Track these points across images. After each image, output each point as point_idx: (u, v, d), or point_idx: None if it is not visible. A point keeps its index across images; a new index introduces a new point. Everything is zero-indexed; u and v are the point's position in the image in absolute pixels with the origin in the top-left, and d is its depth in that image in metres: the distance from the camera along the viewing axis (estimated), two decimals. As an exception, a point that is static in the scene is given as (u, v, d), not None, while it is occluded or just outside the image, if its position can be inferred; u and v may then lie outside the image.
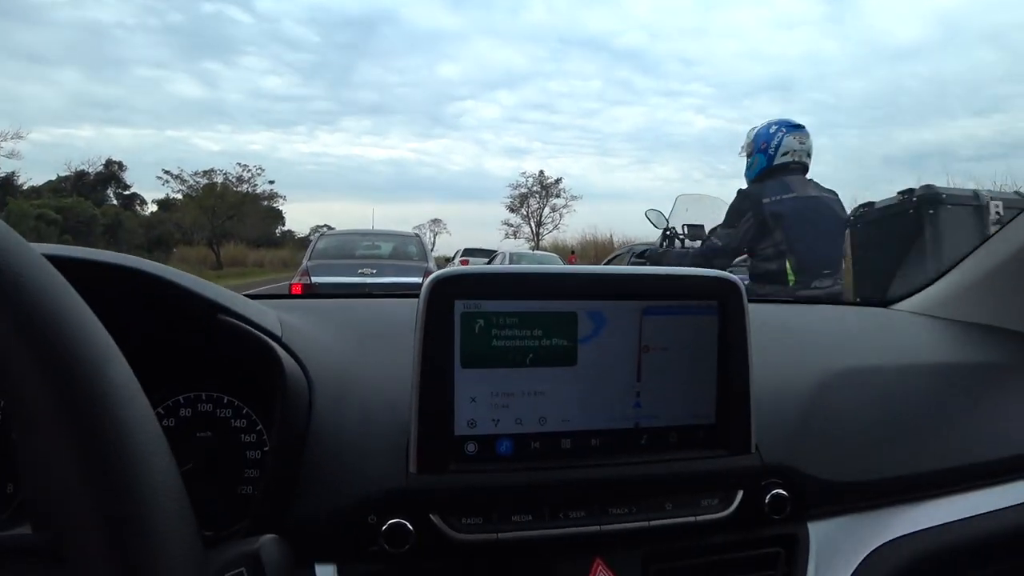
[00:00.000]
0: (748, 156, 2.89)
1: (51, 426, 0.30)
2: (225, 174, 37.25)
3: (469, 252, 16.07)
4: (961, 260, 1.22)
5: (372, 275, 6.62)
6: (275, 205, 44.27)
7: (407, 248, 7.86)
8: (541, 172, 43.30)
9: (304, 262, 7.09)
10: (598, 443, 0.66)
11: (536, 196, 42.42)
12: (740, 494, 0.69)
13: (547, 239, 39.62)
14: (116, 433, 0.31)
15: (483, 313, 0.62)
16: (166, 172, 35.90)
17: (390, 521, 0.60)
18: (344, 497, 0.61)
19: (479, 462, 0.63)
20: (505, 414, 0.63)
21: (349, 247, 7.69)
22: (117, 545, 0.29)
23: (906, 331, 1.12)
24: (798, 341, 0.95)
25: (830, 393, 0.82)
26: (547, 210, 42.60)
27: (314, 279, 6.46)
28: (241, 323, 0.63)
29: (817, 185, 2.70)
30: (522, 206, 42.95)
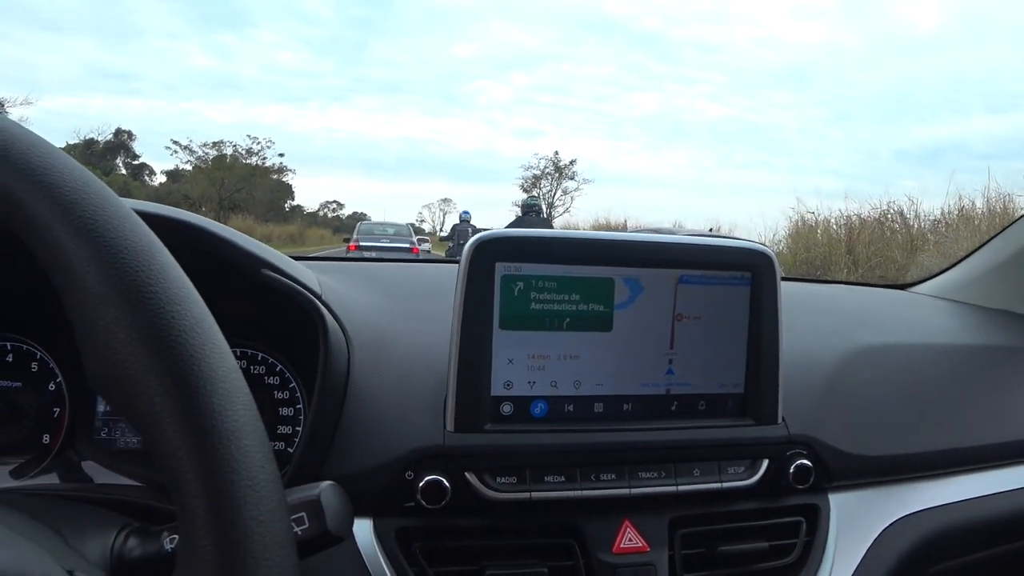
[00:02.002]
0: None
1: (156, 388, 0.31)
2: (235, 146, 36.79)
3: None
4: (981, 246, 1.23)
5: (384, 242, 13.62)
6: (285, 179, 43.72)
7: (402, 231, 15.82)
8: (556, 153, 42.64)
9: (355, 234, 14.77)
10: (630, 408, 0.67)
11: (549, 177, 41.55)
12: (765, 463, 0.70)
13: (558, 221, 39.16)
14: (208, 380, 0.32)
15: (523, 276, 0.63)
16: (175, 142, 35.37)
17: (427, 478, 0.61)
18: (382, 453, 0.62)
19: (514, 423, 0.64)
20: (541, 376, 0.65)
21: (375, 228, 15.74)
22: (216, 487, 0.30)
23: (926, 313, 1.13)
24: (823, 317, 0.96)
25: (854, 368, 0.83)
26: (559, 192, 41.65)
27: (360, 242, 13.42)
28: (285, 279, 0.64)
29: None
30: (534, 187, 41.92)
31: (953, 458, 0.82)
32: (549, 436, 0.64)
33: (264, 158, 38.21)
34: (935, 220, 8.85)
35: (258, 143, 37.83)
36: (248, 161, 36.74)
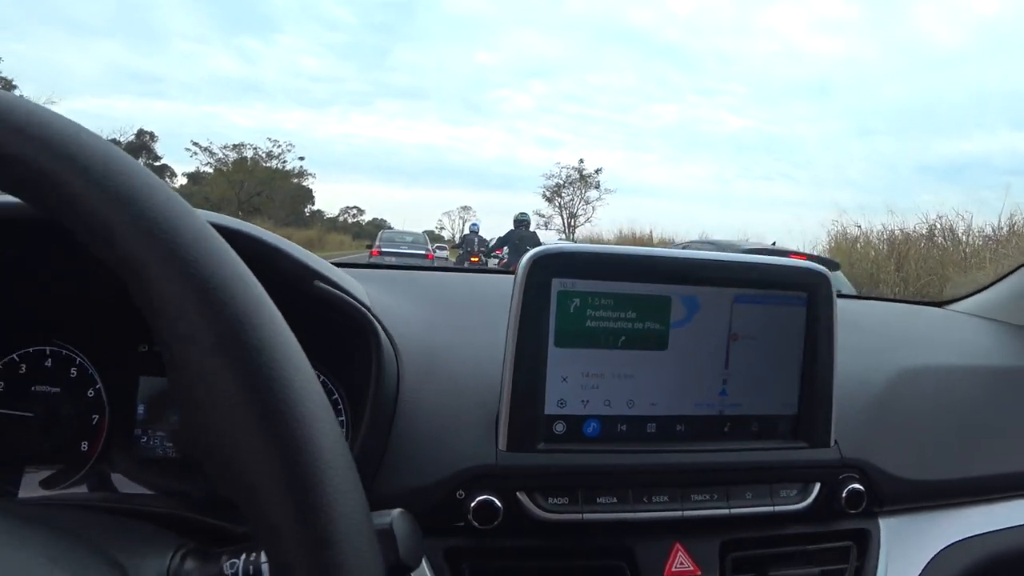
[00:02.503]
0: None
1: (241, 404, 0.30)
2: (255, 148, 36.41)
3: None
4: (1021, 265, 1.21)
5: (404, 249, 14.63)
6: (305, 184, 43.24)
7: (418, 239, 16.78)
8: (580, 161, 40.78)
9: (377, 241, 15.67)
10: (683, 429, 0.66)
11: (572, 187, 40.17)
12: (817, 486, 0.69)
13: (579, 232, 37.61)
14: (295, 402, 0.31)
15: (579, 292, 0.62)
16: (195, 144, 35.06)
17: (479, 497, 0.60)
18: (433, 472, 0.61)
19: (567, 442, 0.63)
20: (595, 395, 0.63)
21: (395, 236, 16.72)
22: (306, 512, 0.29)
23: (967, 332, 1.11)
24: (868, 336, 0.94)
25: (902, 390, 0.82)
26: (580, 202, 40.33)
27: (382, 248, 14.38)
28: (338, 291, 0.63)
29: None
30: (556, 197, 40.63)
31: (1004, 483, 0.80)
32: (602, 456, 0.63)
33: (284, 161, 37.85)
34: (986, 236, 8.56)
35: (278, 146, 37.45)
36: (268, 164, 36.44)
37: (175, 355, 0.31)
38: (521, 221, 9.80)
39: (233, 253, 0.34)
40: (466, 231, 13.08)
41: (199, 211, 0.38)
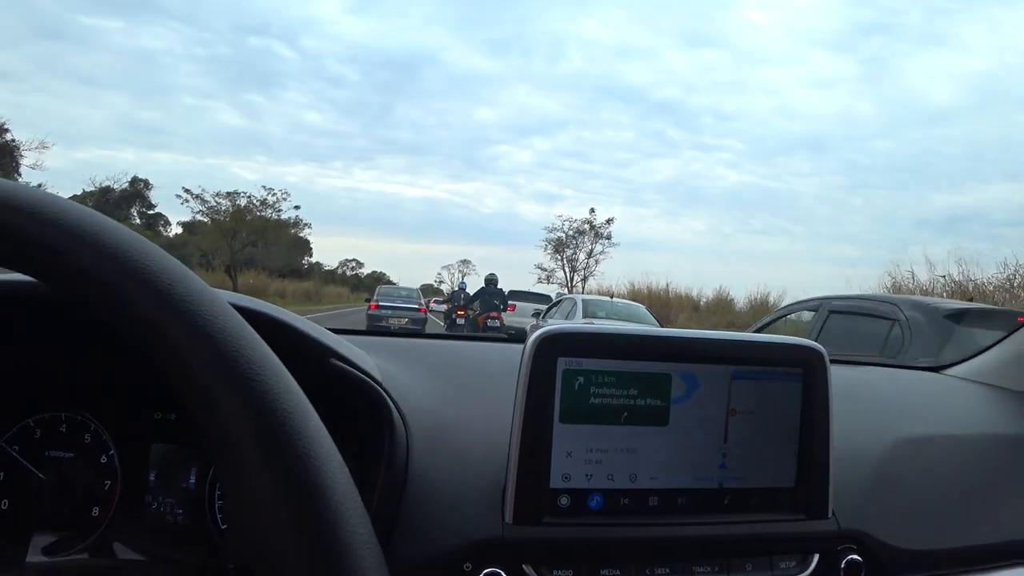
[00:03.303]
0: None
1: (260, 472, 0.33)
2: (249, 196, 35.11)
3: (515, 295, 15.12)
4: (1015, 330, 1.23)
5: (399, 303, 15.78)
6: (302, 235, 42.22)
7: (412, 295, 17.15)
8: (591, 211, 38.03)
9: (375, 295, 16.49)
10: (684, 502, 0.68)
11: (578, 238, 37.72)
12: (816, 558, 0.70)
13: (590, 284, 35.62)
14: (319, 477, 0.34)
15: (583, 371, 0.65)
16: (186, 190, 33.64)
17: (486, 570, 0.62)
18: (441, 544, 0.63)
19: (571, 515, 0.65)
20: (598, 470, 0.66)
21: (392, 291, 17.65)
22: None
23: (964, 399, 1.13)
24: (861, 405, 0.96)
25: (898, 460, 0.83)
26: (582, 256, 38.15)
27: (380, 302, 15.65)
28: (353, 369, 0.65)
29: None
30: (561, 249, 38.36)
31: (1001, 552, 0.82)
32: (605, 530, 0.65)
33: (279, 210, 36.80)
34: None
35: (273, 194, 36.25)
36: (263, 213, 35.36)
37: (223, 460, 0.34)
38: (490, 280, 12.56)
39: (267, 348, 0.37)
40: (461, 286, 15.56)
41: (219, 291, 0.42)
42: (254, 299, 0.68)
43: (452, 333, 10.37)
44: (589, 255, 37.70)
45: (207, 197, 33.71)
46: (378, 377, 0.70)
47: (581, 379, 0.65)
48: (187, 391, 0.35)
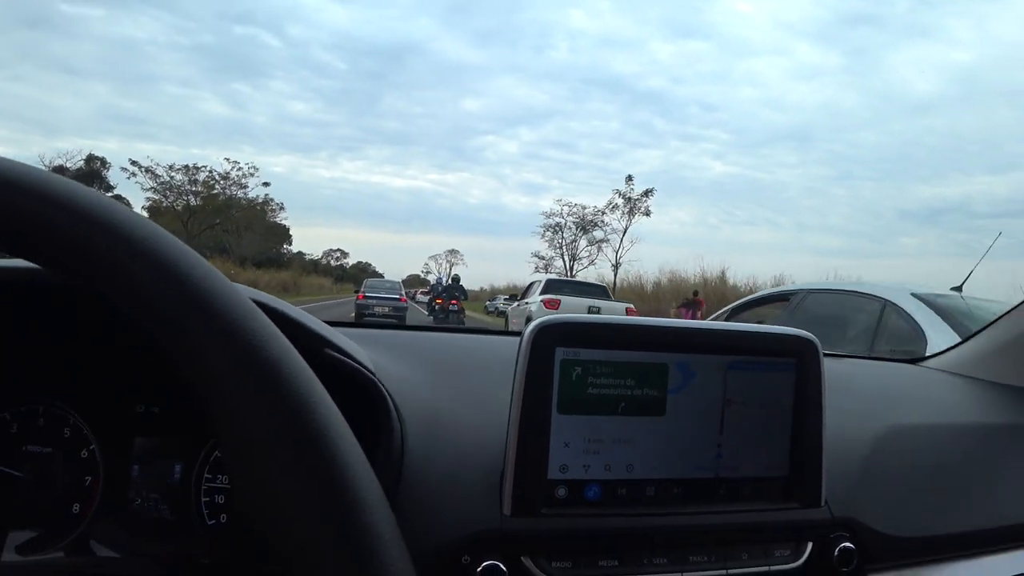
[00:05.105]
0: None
1: (282, 458, 0.33)
2: (210, 171, 31.00)
3: (558, 286, 15.08)
4: (993, 321, 1.26)
5: (383, 294, 18.93)
6: (279, 220, 39.27)
7: (395, 286, 20.34)
8: (629, 179, 33.16)
9: (363, 288, 19.68)
10: (680, 492, 0.68)
11: (615, 211, 33.47)
12: (810, 545, 0.71)
13: (585, 275, 31.99)
14: (340, 462, 0.34)
15: (581, 361, 0.65)
16: (133, 163, 29.39)
17: (485, 563, 0.61)
18: (438, 536, 0.62)
19: (569, 506, 0.65)
20: (595, 460, 0.66)
21: (376, 283, 20.84)
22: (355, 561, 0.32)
23: (943, 389, 1.15)
24: (845, 395, 0.98)
25: (887, 450, 0.85)
26: (583, 242, 35.27)
27: (367, 293, 18.92)
28: (347, 359, 0.65)
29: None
30: (555, 237, 35.03)
31: (986, 538, 0.83)
32: (603, 520, 0.65)
33: (244, 186, 32.48)
34: None
35: (238, 168, 32.01)
36: (229, 192, 31.10)
37: (236, 437, 0.33)
38: (455, 278, 17.04)
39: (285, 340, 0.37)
40: (448, 276, 19.72)
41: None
42: (247, 287, 0.67)
43: (440, 325, 11.08)
44: (589, 243, 34.36)
45: (159, 171, 29.59)
46: (372, 368, 0.69)
47: (579, 369, 0.65)
48: (192, 367, 0.34)
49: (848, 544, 0.72)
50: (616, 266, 32.73)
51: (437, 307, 15.99)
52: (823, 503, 0.72)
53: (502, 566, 0.61)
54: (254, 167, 33.03)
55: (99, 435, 0.71)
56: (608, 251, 33.54)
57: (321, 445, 0.33)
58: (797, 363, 0.71)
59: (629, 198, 33.06)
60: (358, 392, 0.66)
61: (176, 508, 0.72)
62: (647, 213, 32.90)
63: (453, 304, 15.61)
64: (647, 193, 32.86)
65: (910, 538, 0.77)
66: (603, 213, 33.78)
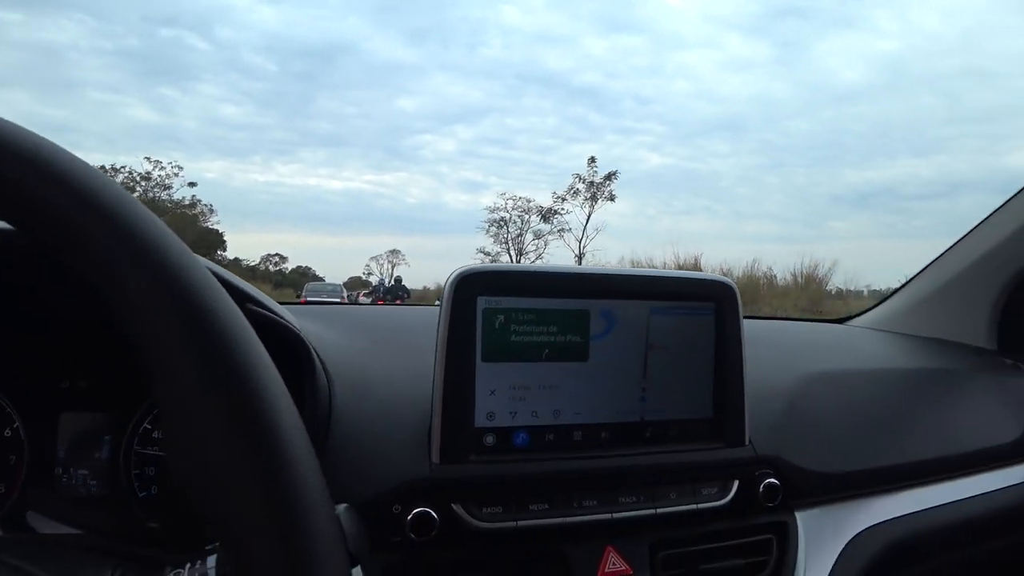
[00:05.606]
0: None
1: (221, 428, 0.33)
2: (129, 171, 29.47)
3: None
4: (906, 283, 1.34)
5: (324, 296, 19.09)
6: (213, 226, 37.88)
7: (337, 289, 22.88)
8: (591, 161, 29.97)
9: (304, 292, 21.56)
10: (607, 435, 0.69)
11: (585, 198, 30.47)
12: (736, 483, 0.73)
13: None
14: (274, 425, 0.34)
15: (503, 309, 0.65)
16: None
17: (416, 510, 0.62)
18: (368, 488, 0.63)
19: (498, 453, 0.66)
20: (522, 407, 0.66)
21: (317, 286, 23.24)
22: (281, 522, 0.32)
23: (865, 343, 1.21)
24: (774, 349, 1.01)
25: (809, 393, 0.88)
26: (529, 236, 32.53)
27: (308, 296, 19.07)
28: (271, 314, 0.64)
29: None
30: (500, 231, 31.73)
31: (901, 473, 0.87)
32: (531, 465, 0.66)
33: (168, 186, 31.10)
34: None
35: (160, 167, 30.52)
36: (153, 194, 29.50)
37: (164, 369, 0.33)
38: (397, 279, 19.45)
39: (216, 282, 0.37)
40: (390, 277, 19.49)
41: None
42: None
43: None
44: (537, 236, 32.17)
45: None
46: (297, 327, 0.68)
47: (501, 317, 0.65)
48: (128, 314, 0.34)
49: (773, 480, 0.74)
50: (580, 256, 30.41)
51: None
52: (747, 442, 0.74)
53: (433, 513, 0.62)
54: (178, 166, 31.62)
55: (23, 413, 0.69)
56: (571, 241, 31.37)
57: (251, 388, 0.34)
58: (716, 307, 0.73)
59: (592, 182, 30.45)
60: (283, 350, 0.66)
61: (106, 482, 0.70)
62: (611, 198, 30.39)
63: (397, 304, 17.09)
64: (610, 176, 30.16)
65: (831, 474, 0.80)
66: (562, 200, 31.23)
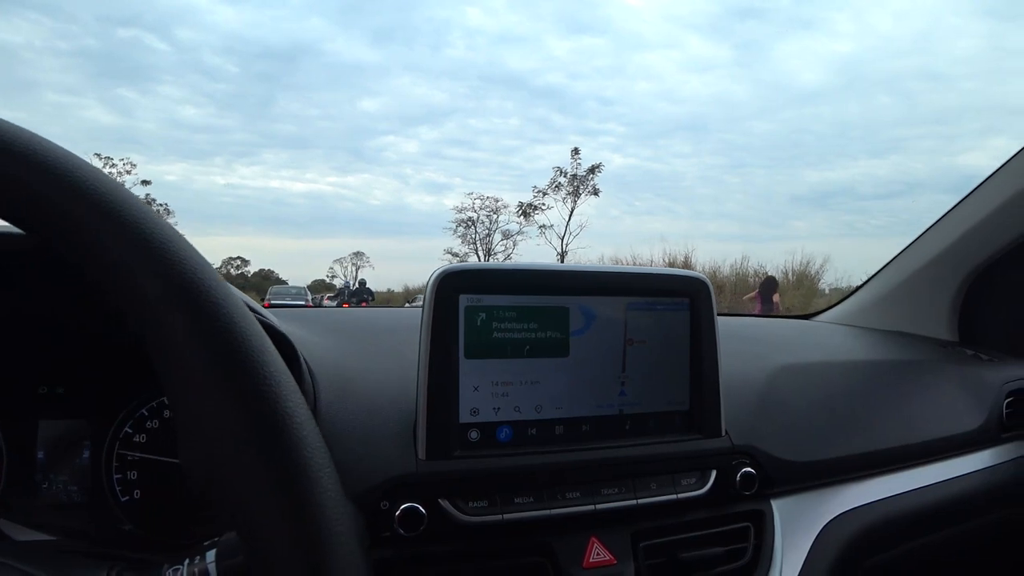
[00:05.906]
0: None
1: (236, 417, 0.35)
2: None
3: None
4: (868, 280, 1.39)
5: (288, 300, 21.08)
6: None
7: (301, 292, 24.13)
8: (575, 152, 28.54)
9: (268, 295, 22.70)
10: (588, 429, 0.71)
11: (568, 192, 29.32)
12: (714, 473, 0.75)
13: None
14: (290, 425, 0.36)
15: (485, 307, 0.67)
16: None
17: (403, 506, 0.62)
18: (356, 485, 0.63)
19: (482, 448, 0.67)
20: (504, 403, 0.68)
21: (281, 290, 24.65)
22: (291, 504, 0.33)
23: (832, 337, 1.25)
24: (745, 343, 1.04)
25: (780, 386, 0.91)
26: (498, 236, 32.27)
27: (272, 300, 20.89)
28: (259, 316, 0.64)
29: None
30: (468, 231, 32.22)
31: (870, 460, 0.90)
32: (515, 459, 0.67)
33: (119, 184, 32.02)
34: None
35: (112, 164, 29.77)
36: None
37: (180, 379, 0.34)
38: (362, 282, 19.31)
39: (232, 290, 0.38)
40: (355, 280, 19.81)
41: None
42: None
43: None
44: (505, 236, 31.51)
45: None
46: (279, 325, 0.69)
47: (483, 315, 0.67)
48: (138, 310, 0.35)
49: (749, 469, 0.77)
50: (562, 255, 29.23)
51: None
52: (724, 433, 0.76)
53: (421, 508, 0.63)
54: (131, 163, 30.47)
55: (2, 417, 0.69)
56: (553, 239, 30.48)
57: (280, 406, 0.35)
58: (691, 302, 0.75)
59: (575, 176, 28.89)
60: None
61: (87, 488, 0.70)
62: (595, 192, 29.03)
63: (362, 307, 17.81)
64: (594, 170, 28.70)
65: (804, 463, 0.83)
66: (544, 194, 29.91)
